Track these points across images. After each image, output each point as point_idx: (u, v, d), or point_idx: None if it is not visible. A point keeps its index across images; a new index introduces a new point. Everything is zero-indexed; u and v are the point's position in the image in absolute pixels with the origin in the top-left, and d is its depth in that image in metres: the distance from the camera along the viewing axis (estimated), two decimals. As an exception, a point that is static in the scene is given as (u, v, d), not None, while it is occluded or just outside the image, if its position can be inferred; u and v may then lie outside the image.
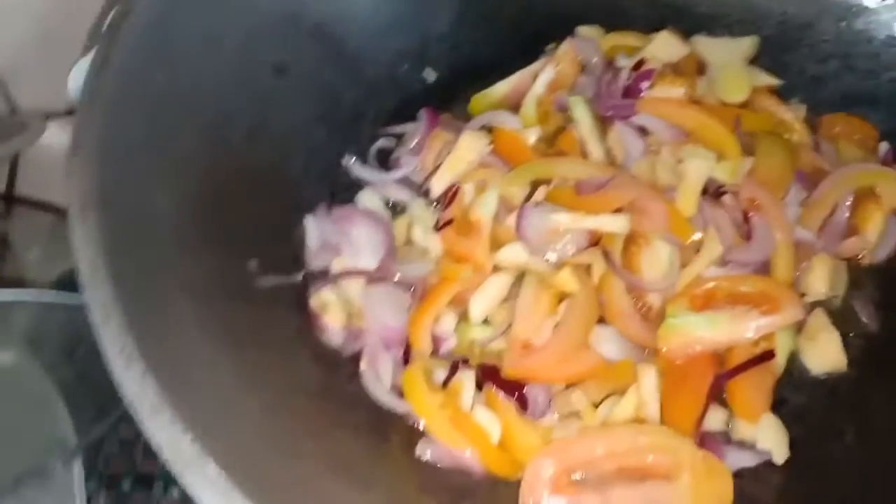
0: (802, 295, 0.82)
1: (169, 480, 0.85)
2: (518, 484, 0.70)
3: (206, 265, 0.70)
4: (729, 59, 0.93)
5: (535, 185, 0.85)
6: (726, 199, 0.84)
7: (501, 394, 0.75)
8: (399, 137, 0.95)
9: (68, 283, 0.96)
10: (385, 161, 0.94)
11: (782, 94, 0.94)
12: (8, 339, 0.95)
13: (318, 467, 0.62)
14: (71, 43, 0.99)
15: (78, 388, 0.89)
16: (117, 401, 0.88)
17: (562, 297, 0.79)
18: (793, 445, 0.75)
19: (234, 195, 0.78)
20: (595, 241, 0.81)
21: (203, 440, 0.51)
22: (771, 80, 0.94)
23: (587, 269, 0.80)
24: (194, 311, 0.65)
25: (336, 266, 0.83)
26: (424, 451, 0.72)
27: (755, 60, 0.95)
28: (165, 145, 0.72)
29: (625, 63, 0.93)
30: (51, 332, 0.96)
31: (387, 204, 0.90)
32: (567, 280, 0.78)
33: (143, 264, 0.63)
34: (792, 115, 0.91)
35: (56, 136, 1.16)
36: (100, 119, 0.66)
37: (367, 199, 0.89)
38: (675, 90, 0.90)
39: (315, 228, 0.85)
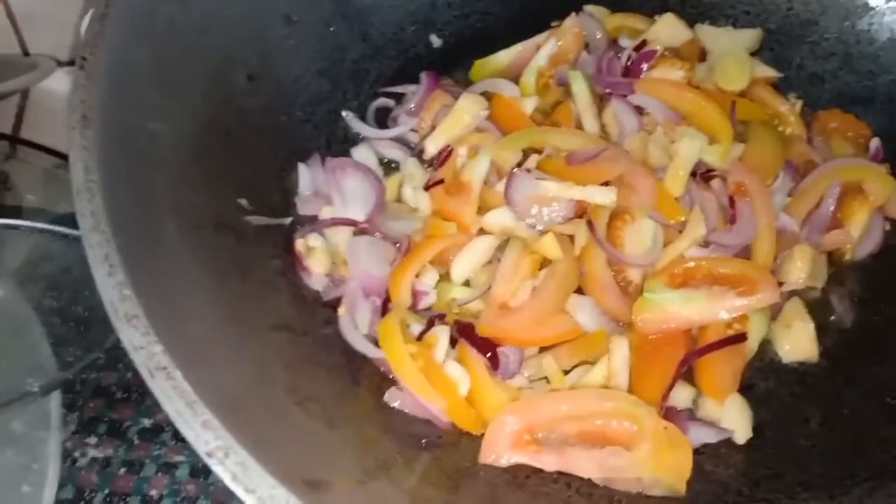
0: (781, 283, 0.83)
1: (141, 425, 0.87)
2: (480, 439, 0.71)
3: (198, 195, 0.72)
4: (731, 48, 0.94)
5: (527, 154, 0.86)
6: (714, 182, 0.85)
7: (474, 351, 0.76)
8: (399, 98, 0.97)
9: (63, 222, 0.99)
10: (383, 120, 0.96)
11: (780, 88, 0.96)
12: (0, 270, 0.96)
13: (288, 398, 0.63)
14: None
15: (62, 324, 0.91)
16: (99, 340, 0.91)
17: (543, 263, 0.80)
18: (757, 428, 0.77)
19: (232, 134, 0.80)
20: (581, 212, 0.82)
21: (174, 352, 0.52)
22: (770, 73, 0.95)
23: (570, 238, 0.81)
24: (181, 235, 0.66)
25: (325, 214, 0.84)
26: (393, 398, 0.74)
27: (756, 52, 0.97)
28: (169, 76, 0.73)
29: (627, 43, 0.94)
30: (40, 268, 0.98)
31: (381, 161, 0.92)
32: (549, 246, 0.79)
33: (137, 183, 0.64)
34: (788, 108, 0.92)
35: (63, 83, 1.17)
36: (107, 41, 0.67)
37: (362, 154, 0.91)
38: (674, 73, 0.91)
39: (308, 176, 0.86)
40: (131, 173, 0.65)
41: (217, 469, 0.49)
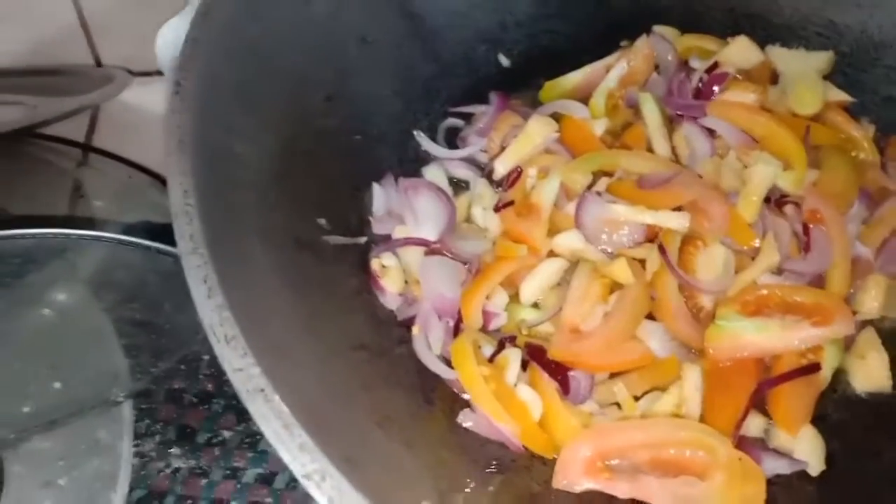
0: (855, 312, 0.82)
1: (212, 432, 0.89)
2: (553, 463, 0.72)
3: (280, 216, 0.73)
4: (803, 71, 0.93)
5: (597, 176, 0.86)
6: (788, 208, 0.85)
7: (545, 375, 0.76)
8: (468, 117, 0.97)
9: (135, 233, 1.01)
10: (453, 139, 0.97)
11: (853, 112, 0.94)
12: (74, 278, 0.99)
13: (368, 418, 0.65)
14: (159, 3, 1.03)
15: (135, 333, 0.93)
16: (171, 349, 0.93)
17: (613, 287, 0.80)
18: (829, 459, 0.76)
19: (310, 155, 0.81)
20: (652, 236, 0.82)
21: (271, 374, 0.53)
22: (843, 97, 0.94)
23: (642, 263, 0.81)
24: (267, 255, 0.68)
25: (398, 233, 0.85)
26: (466, 419, 0.74)
27: (829, 76, 0.95)
28: (252, 98, 0.74)
29: (698, 65, 0.94)
30: (114, 276, 1.00)
31: (451, 180, 0.93)
32: (621, 271, 0.79)
33: (227, 204, 0.66)
34: (861, 133, 0.91)
35: (136, 95, 1.21)
36: (198, 64, 0.69)
37: (433, 174, 0.92)
38: (746, 96, 0.90)
39: (382, 195, 0.88)
40: (221, 195, 0.67)
41: (314, 492, 0.50)
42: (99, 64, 1.31)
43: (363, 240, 0.84)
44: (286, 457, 0.51)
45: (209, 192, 0.64)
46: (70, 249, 1.02)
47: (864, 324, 0.83)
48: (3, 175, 1.18)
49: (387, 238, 0.86)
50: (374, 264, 0.83)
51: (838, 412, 0.80)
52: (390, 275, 0.82)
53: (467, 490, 0.66)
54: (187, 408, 0.91)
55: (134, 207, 1.14)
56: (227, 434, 0.88)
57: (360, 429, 0.63)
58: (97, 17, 1.26)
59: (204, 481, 0.86)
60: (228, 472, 0.86)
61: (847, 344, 0.82)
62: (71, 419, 0.76)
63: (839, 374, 0.81)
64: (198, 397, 0.92)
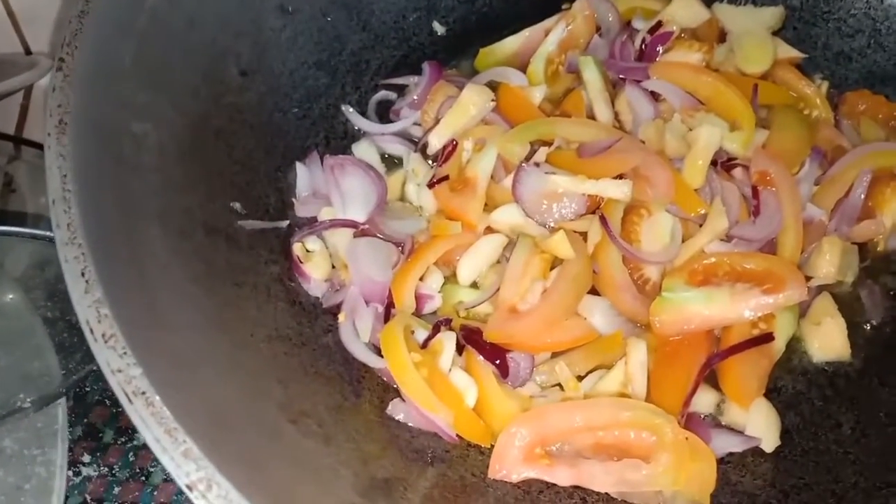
0: (809, 278, 0.78)
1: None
2: (490, 451, 0.67)
3: (187, 200, 0.68)
4: (751, 28, 0.89)
5: (536, 146, 0.81)
6: (736, 172, 0.81)
7: (482, 358, 0.72)
8: (401, 90, 0.92)
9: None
10: (384, 114, 0.92)
11: (805, 69, 0.90)
12: (3, 277, 0.94)
13: (281, 415, 0.60)
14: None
15: (65, 331, 0.88)
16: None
17: (554, 263, 0.76)
18: (785, 434, 0.72)
19: (223, 133, 0.76)
20: (594, 208, 0.77)
21: (155, 374, 0.48)
22: (794, 53, 0.90)
23: (583, 235, 0.77)
24: (169, 243, 0.63)
25: (324, 215, 0.80)
26: (396, 411, 0.70)
27: (779, 32, 0.91)
28: (154, 73, 0.69)
29: (641, 25, 0.90)
30: (43, 273, 0.95)
31: (384, 157, 0.88)
32: (560, 245, 0.74)
33: (119, 190, 0.61)
34: (813, 90, 0.87)
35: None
36: (88, 40, 0.63)
37: (363, 150, 0.87)
38: (692, 55, 0.86)
39: (306, 175, 0.83)
40: (113, 178, 0.61)
41: (198, 503, 0.45)
42: (28, 52, 1.25)
43: (285, 223, 0.79)
44: (169, 465, 0.46)
45: (97, 177, 0.59)
46: (-1, 247, 0.96)
47: (820, 289, 0.80)
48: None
49: (311, 221, 0.81)
50: (297, 249, 0.78)
51: (795, 384, 0.77)
52: (315, 260, 0.77)
53: (396, 488, 0.62)
54: (120, 409, 0.86)
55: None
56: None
57: (270, 427, 0.58)
58: (24, 4, 1.20)
59: (142, 484, 0.81)
60: (167, 475, 0.82)
61: (802, 311, 0.78)
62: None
63: (795, 344, 0.78)
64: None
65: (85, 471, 0.81)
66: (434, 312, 0.77)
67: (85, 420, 0.85)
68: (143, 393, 0.48)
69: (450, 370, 0.71)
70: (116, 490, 0.80)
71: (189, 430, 0.47)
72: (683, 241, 0.77)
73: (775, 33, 0.91)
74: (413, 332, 0.73)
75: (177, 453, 0.46)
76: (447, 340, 0.72)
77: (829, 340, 0.77)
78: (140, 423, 0.48)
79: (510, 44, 0.93)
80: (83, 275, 0.52)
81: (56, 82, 0.61)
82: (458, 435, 0.69)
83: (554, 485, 0.66)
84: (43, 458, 0.74)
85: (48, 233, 0.97)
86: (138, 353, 0.49)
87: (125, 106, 0.66)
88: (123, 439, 0.83)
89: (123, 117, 0.65)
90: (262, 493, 0.47)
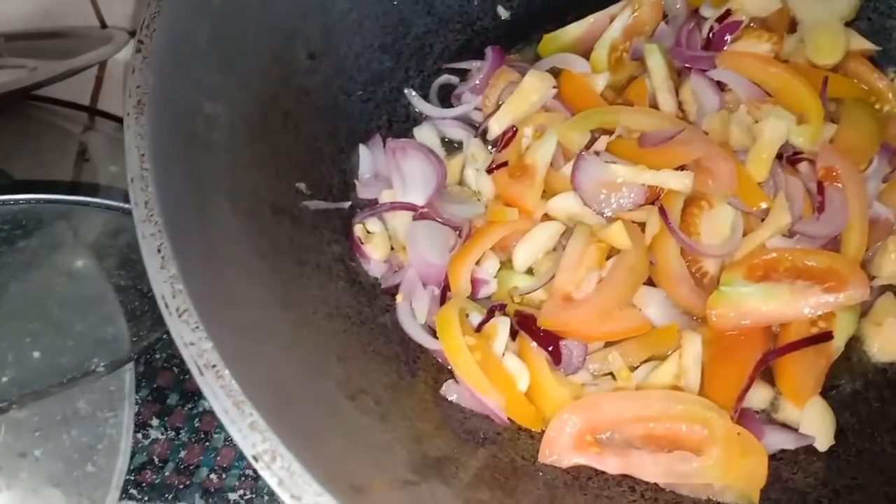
0: (872, 277, 0.76)
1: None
2: (541, 437, 0.69)
3: (255, 179, 0.70)
4: (823, 18, 0.86)
5: (596, 135, 0.81)
6: (802, 166, 0.79)
7: (535, 344, 0.73)
8: (463, 74, 0.93)
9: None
10: (446, 98, 0.92)
11: (878, 62, 0.87)
12: (76, 244, 0.98)
13: (340, 391, 0.62)
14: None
15: (135, 299, 0.91)
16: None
17: (611, 252, 0.76)
18: (840, 433, 0.72)
19: (290, 115, 0.78)
20: (653, 198, 0.77)
21: (225, 348, 0.51)
22: (867, 45, 0.87)
23: (641, 226, 0.77)
24: (238, 221, 0.65)
25: (384, 197, 0.82)
26: (450, 392, 0.72)
27: (852, 23, 0.88)
28: (227, 55, 0.71)
29: (709, 13, 0.88)
30: (115, 242, 0.99)
31: (444, 141, 0.89)
32: (618, 235, 0.74)
33: (192, 167, 0.63)
34: (886, 85, 0.85)
35: (135, 53, 1.19)
36: (165, 22, 0.66)
37: (424, 134, 0.88)
38: (761, 45, 0.84)
39: (368, 158, 0.84)
40: (187, 157, 0.64)
41: (263, 473, 0.47)
42: (104, 25, 1.29)
43: (347, 205, 0.81)
44: (236, 436, 0.48)
45: (172, 155, 0.61)
46: (72, 215, 1.00)
47: (883, 289, 0.78)
48: (9, 139, 1.18)
49: (372, 202, 0.82)
50: (358, 230, 0.79)
51: (852, 383, 0.76)
52: (375, 241, 0.79)
53: (447, 467, 0.63)
54: (186, 374, 0.90)
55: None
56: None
57: (329, 403, 0.60)
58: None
59: (205, 448, 0.85)
60: (228, 439, 0.85)
61: (864, 310, 0.77)
62: (49, 389, 0.75)
63: (854, 343, 0.77)
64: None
65: (151, 433, 0.84)
66: (489, 297, 0.79)
67: (153, 385, 0.89)
68: (214, 366, 0.50)
69: (503, 354, 0.73)
70: (181, 453, 0.84)
71: (255, 403, 0.49)
72: (744, 235, 0.76)
73: (848, 24, 0.88)
74: (468, 316, 0.75)
75: (244, 425, 0.49)
76: (501, 325, 0.74)
77: (890, 341, 0.76)
78: (210, 395, 0.50)
79: (574, 30, 0.92)
80: (159, 251, 0.54)
81: (135, 64, 0.63)
82: (509, 418, 0.70)
83: (603, 472, 0.67)
84: (114, 419, 0.78)
85: (122, 204, 1.01)
86: (209, 327, 0.52)
87: (199, 87, 0.68)
88: (189, 404, 0.87)
89: (197, 98, 0.67)
90: (321, 466, 0.49)
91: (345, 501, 0.47)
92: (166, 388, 0.88)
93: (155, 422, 0.85)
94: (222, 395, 0.50)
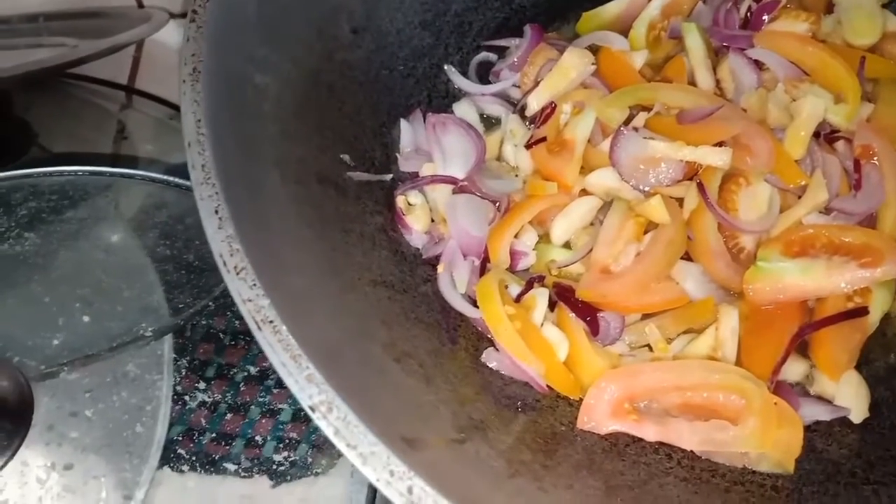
0: (909, 254, 0.77)
1: (249, 370, 0.89)
2: (579, 404, 0.70)
3: (301, 149, 0.72)
4: (861, -1, 0.87)
5: (635, 111, 0.82)
6: (839, 144, 0.80)
7: (573, 315, 0.74)
8: (502, 51, 0.94)
9: (177, 173, 1.01)
10: (485, 75, 0.93)
11: (916, 43, 0.87)
12: (118, 216, 1.00)
13: (386, 353, 0.63)
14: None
15: (175, 270, 0.93)
16: (210, 288, 0.93)
17: (648, 227, 0.77)
18: (874, 407, 0.72)
19: (335, 88, 0.79)
20: (691, 174, 0.78)
21: (280, 305, 0.52)
22: (905, 26, 0.87)
23: (679, 201, 0.77)
24: (285, 188, 0.67)
25: (425, 171, 0.83)
26: (490, 359, 0.73)
27: (889, 4, 0.88)
28: (274, 28, 0.72)
29: (749, -8, 0.88)
30: (156, 214, 1.01)
31: (482, 117, 0.90)
32: (656, 209, 0.75)
33: (244, 135, 0.65)
34: (923, 65, 0.85)
35: (176, 35, 1.20)
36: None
37: (463, 110, 0.89)
38: (798, 25, 0.85)
39: (409, 132, 0.85)
40: (238, 126, 0.66)
41: (320, 423, 0.49)
42: (141, 5, 1.31)
43: (389, 177, 0.83)
44: (293, 387, 0.50)
45: (224, 123, 0.63)
46: (113, 188, 1.03)
47: (919, 267, 0.78)
48: (49, 116, 1.20)
49: (414, 175, 0.84)
50: (400, 202, 0.81)
51: (886, 358, 0.76)
52: (416, 213, 0.80)
53: (490, 429, 0.65)
54: (225, 346, 0.92)
55: (176, 148, 1.15)
56: (264, 372, 0.89)
57: (376, 364, 0.62)
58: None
59: (241, 418, 0.86)
60: (266, 409, 0.87)
61: (899, 287, 0.77)
62: (99, 353, 0.78)
63: (890, 319, 0.77)
64: (235, 335, 0.93)
65: (193, 399, 0.86)
66: (527, 270, 0.80)
67: (194, 355, 0.91)
68: (271, 321, 0.52)
69: (542, 325, 0.74)
70: (222, 419, 0.86)
71: (311, 358, 0.51)
72: (781, 211, 0.77)
73: (885, 5, 0.88)
74: (507, 287, 0.76)
75: (301, 377, 0.50)
76: (540, 296, 0.75)
77: (925, 317, 0.77)
78: (268, 349, 0.52)
79: (613, 8, 0.93)
80: (216, 212, 0.56)
81: (189, 33, 0.65)
82: (548, 386, 0.72)
83: (640, 439, 0.68)
84: (161, 382, 0.80)
85: (165, 176, 1.03)
86: (265, 285, 0.53)
87: (249, 58, 0.70)
88: (230, 373, 0.88)
89: (247, 69, 0.69)
90: (374, 419, 0.50)
91: (397, 451, 0.48)
92: (208, 357, 0.90)
93: (198, 388, 0.87)
94: (280, 348, 0.51)
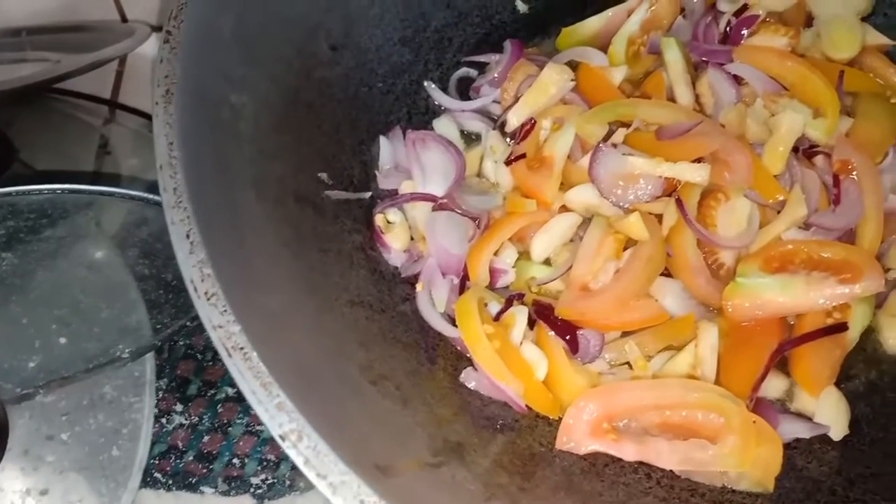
0: (887, 269, 0.77)
1: (231, 387, 0.89)
2: (558, 423, 0.70)
3: (278, 168, 0.72)
4: (840, 13, 0.87)
5: (614, 127, 0.82)
6: (818, 159, 0.80)
7: (552, 333, 0.74)
8: (482, 67, 0.94)
9: (157, 189, 1.01)
10: (465, 91, 0.93)
11: (894, 57, 0.88)
12: (99, 234, 0.99)
13: (362, 376, 0.63)
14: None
15: (156, 288, 0.93)
16: (191, 306, 0.93)
17: (628, 244, 0.77)
18: (854, 423, 0.72)
19: (313, 106, 0.79)
20: (670, 190, 0.78)
21: (252, 330, 0.52)
22: (883, 40, 0.87)
23: (658, 218, 0.77)
24: (263, 209, 0.66)
25: (404, 188, 0.83)
26: (469, 379, 0.73)
27: (868, 17, 0.89)
28: (252, 47, 0.72)
29: (727, 7, 0.88)
30: (137, 232, 1.00)
31: (463, 133, 0.90)
32: (635, 226, 0.75)
33: (218, 155, 0.65)
34: (902, 79, 0.85)
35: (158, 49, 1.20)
36: (192, 13, 0.67)
37: (443, 126, 0.89)
38: (777, 40, 0.85)
39: (388, 149, 0.85)
40: (213, 146, 0.65)
41: (290, 452, 0.49)
42: (124, 19, 1.31)
43: (367, 195, 0.82)
44: (263, 416, 0.50)
45: (199, 143, 0.63)
46: (93, 206, 1.02)
47: (899, 282, 0.78)
48: (32, 132, 1.19)
49: (393, 193, 0.83)
50: (379, 220, 0.81)
51: (866, 374, 0.77)
52: (395, 231, 0.80)
53: (468, 451, 0.64)
54: (207, 363, 0.91)
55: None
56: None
57: (351, 387, 0.62)
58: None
59: (225, 435, 0.86)
60: (248, 427, 0.86)
61: (879, 302, 0.77)
62: (76, 375, 0.77)
63: (869, 334, 0.77)
64: (215, 355, 0.92)
65: (172, 420, 0.86)
66: (507, 287, 0.80)
67: (174, 374, 0.90)
68: (242, 348, 0.52)
69: (521, 343, 0.74)
70: (201, 440, 0.85)
71: (282, 385, 0.51)
72: (760, 227, 0.76)
73: (864, 19, 0.89)
74: (486, 305, 0.76)
75: (271, 406, 0.50)
76: (519, 314, 0.75)
77: (905, 333, 0.77)
78: (238, 376, 0.51)
79: (592, 24, 0.93)
80: (188, 236, 0.56)
81: (163, 54, 0.65)
82: (527, 405, 0.71)
83: (619, 459, 0.68)
84: (139, 405, 0.80)
85: (145, 194, 1.02)
86: (236, 310, 0.53)
87: (225, 78, 0.70)
88: (210, 392, 0.88)
89: (223, 88, 0.69)
90: (346, 446, 0.50)
91: (369, 480, 0.48)
92: (187, 376, 0.90)
93: (177, 409, 0.86)
94: (250, 376, 0.51)
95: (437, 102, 0.91)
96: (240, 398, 0.87)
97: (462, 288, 0.77)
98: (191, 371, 0.90)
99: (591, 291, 0.75)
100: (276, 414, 0.50)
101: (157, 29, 1.21)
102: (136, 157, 1.19)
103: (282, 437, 0.49)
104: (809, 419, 0.72)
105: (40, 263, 0.91)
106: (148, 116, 1.24)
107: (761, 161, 0.77)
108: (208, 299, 0.53)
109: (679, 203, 0.75)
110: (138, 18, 1.30)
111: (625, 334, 0.76)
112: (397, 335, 0.72)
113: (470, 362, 0.74)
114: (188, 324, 0.88)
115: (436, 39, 0.92)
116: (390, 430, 0.60)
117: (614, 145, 0.79)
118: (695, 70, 0.87)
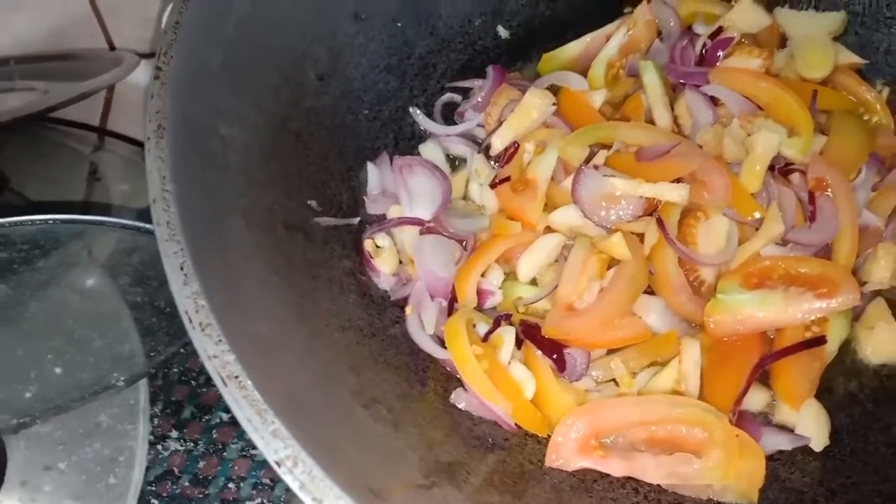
0: (863, 283, 0.79)
1: (226, 411, 0.89)
2: (547, 441, 0.71)
3: (268, 197, 0.73)
4: (812, 33, 0.90)
5: (595, 149, 0.84)
6: (794, 177, 0.82)
7: (540, 353, 0.75)
8: (465, 93, 0.96)
9: (147, 216, 1.02)
10: (450, 116, 0.95)
11: (866, 75, 0.91)
12: (91, 262, 1.00)
13: (354, 400, 0.65)
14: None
15: (149, 315, 0.94)
16: (181, 333, 0.93)
17: (611, 263, 0.79)
18: (835, 434, 0.74)
19: (301, 135, 0.81)
20: (651, 209, 0.80)
21: (246, 359, 0.53)
22: (855, 59, 0.90)
23: (640, 237, 0.79)
24: (253, 238, 0.68)
25: (392, 213, 0.84)
26: (459, 400, 0.74)
27: (840, 37, 0.92)
28: (240, 79, 0.74)
29: (702, 30, 0.91)
30: (129, 260, 1.01)
31: (448, 157, 0.92)
32: (617, 246, 0.77)
33: (209, 187, 0.66)
34: (874, 97, 0.88)
35: (146, 76, 1.21)
36: (180, 48, 0.68)
37: (429, 151, 0.91)
38: (752, 61, 0.88)
39: (376, 175, 0.87)
40: (204, 178, 0.67)
41: (286, 478, 0.50)
42: (112, 48, 1.32)
43: (356, 220, 0.84)
44: (259, 443, 0.51)
45: (190, 177, 0.64)
46: (85, 235, 1.03)
47: (874, 294, 0.81)
48: (21, 160, 1.20)
49: (381, 218, 0.85)
50: (368, 245, 0.82)
51: (846, 385, 0.79)
52: (384, 255, 0.82)
53: (459, 471, 0.66)
54: (202, 388, 0.92)
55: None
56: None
57: (343, 411, 0.63)
58: (106, 2, 1.27)
59: (221, 459, 0.87)
60: (244, 450, 0.88)
61: (856, 315, 0.80)
62: (71, 404, 0.78)
63: (848, 346, 0.79)
64: (209, 379, 0.93)
65: (169, 445, 0.87)
66: (494, 308, 0.81)
67: (169, 399, 0.91)
68: (237, 377, 0.53)
69: (509, 363, 0.75)
70: (197, 464, 0.86)
71: (277, 412, 0.52)
72: (739, 244, 0.79)
73: (836, 38, 0.92)
74: (475, 326, 0.77)
75: (266, 433, 0.51)
76: (507, 334, 0.76)
77: (881, 344, 0.78)
78: (233, 404, 0.52)
79: (572, 48, 0.95)
80: (182, 269, 0.57)
81: (154, 90, 0.66)
82: (516, 424, 0.73)
83: (607, 475, 0.69)
84: (134, 432, 0.80)
85: (135, 223, 1.03)
86: (230, 339, 0.54)
87: (214, 111, 0.71)
88: (205, 416, 0.89)
89: (213, 121, 0.70)
90: (340, 471, 0.51)
91: (363, 503, 0.49)
92: (182, 401, 0.91)
93: (172, 434, 0.87)
94: (245, 404, 0.52)
95: (422, 128, 0.93)
96: (234, 422, 0.88)
97: (450, 310, 0.79)
98: (185, 396, 0.91)
99: (577, 311, 0.76)
100: (272, 441, 0.51)
101: (145, 56, 1.22)
102: (127, 182, 1.20)
103: (277, 463, 0.50)
104: (791, 431, 0.74)
105: (34, 294, 0.92)
106: (137, 143, 1.26)
107: (739, 180, 0.80)
108: (203, 330, 0.54)
109: (660, 222, 0.77)
110: (126, 46, 1.31)
111: (610, 352, 0.78)
112: (388, 358, 0.74)
113: (460, 383, 0.75)
114: (181, 350, 0.89)
115: (420, 66, 0.94)
116: (383, 454, 0.62)
117: (596, 167, 0.81)
118: (673, 91, 0.89)
